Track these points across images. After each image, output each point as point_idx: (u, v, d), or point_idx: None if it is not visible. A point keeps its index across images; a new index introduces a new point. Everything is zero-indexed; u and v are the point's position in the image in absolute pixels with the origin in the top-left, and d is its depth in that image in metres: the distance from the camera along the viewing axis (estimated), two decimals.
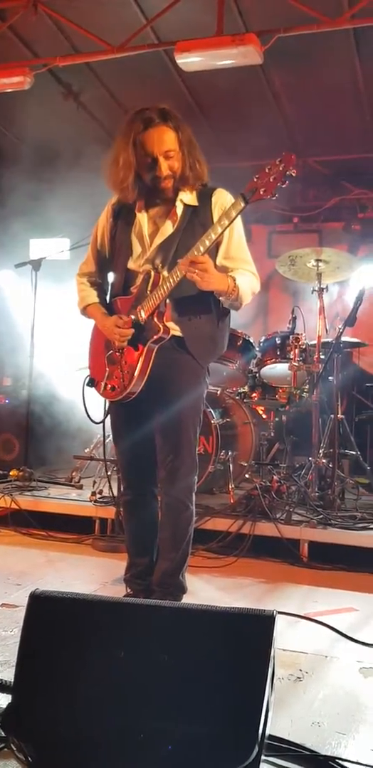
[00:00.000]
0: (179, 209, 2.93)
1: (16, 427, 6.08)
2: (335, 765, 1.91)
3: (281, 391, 5.22)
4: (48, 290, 5.81)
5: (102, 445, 4.55)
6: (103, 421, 3.24)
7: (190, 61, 5.38)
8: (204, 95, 6.58)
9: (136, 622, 1.94)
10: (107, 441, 4.10)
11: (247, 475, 5.06)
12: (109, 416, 3.19)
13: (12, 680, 1.88)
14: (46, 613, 1.94)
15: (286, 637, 2.90)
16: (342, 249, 6.24)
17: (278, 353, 5.20)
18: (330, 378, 4.93)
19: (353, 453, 5.03)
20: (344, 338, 4.80)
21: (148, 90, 5.85)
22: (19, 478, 5.31)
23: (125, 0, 5.59)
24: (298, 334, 5.01)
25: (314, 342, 4.86)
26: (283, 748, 1.95)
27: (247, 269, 2.98)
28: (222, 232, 2.76)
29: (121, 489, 3.22)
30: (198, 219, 2.91)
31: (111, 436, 3.33)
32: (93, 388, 3.09)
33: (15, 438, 6.11)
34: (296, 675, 2.54)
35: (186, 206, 2.94)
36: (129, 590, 3.17)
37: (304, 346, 4.97)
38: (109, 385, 2.99)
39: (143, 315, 2.88)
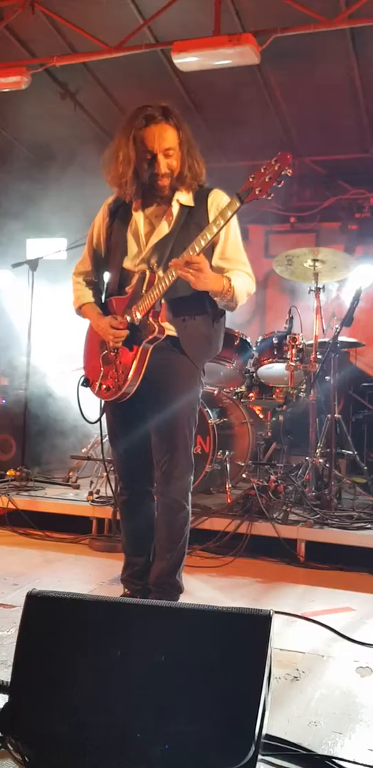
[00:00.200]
0: (175, 209, 2.93)
1: (13, 427, 6.07)
2: (331, 764, 1.91)
3: (278, 390, 5.24)
4: (45, 290, 5.81)
5: (99, 444, 4.55)
6: (98, 421, 3.23)
7: (187, 61, 5.39)
8: (201, 95, 6.58)
9: (133, 622, 1.94)
10: (104, 441, 4.09)
11: (244, 475, 5.06)
12: (105, 416, 3.19)
13: (9, 680, 1.88)
14: (44, 613, 1.94)
15: (283, 636, 2.90)
16: (339, 249, 6.25)
17: (275, 353, 5.20)
18: (327, 378, 4.94)
19: (350, 453, 5.04)
20: (341, 338, 4.81)
21: (145, 90, 5.84)
22: (16, 478, 5.32)
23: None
24: (295, 334, 5.02)
25: (311, 342, 4.87)
26: (279, 747, 1.95)
27: (242, 270, 2.97)
28: (217, 232, 2.76)
29: (118, 489, 3.21)
30: (194, 219, 2.91)
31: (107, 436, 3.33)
32: (88, 389, 3.09)
33: (12, 438, 6.10)
34: (293, 674, 2.54)
35: (182, 206, 2.94)
36: (126, 590, 3.17)
37: (301, 346, 4.98)
38: (104, 386, 2.99)
39: (138, 315, 2.87)
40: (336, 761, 1.91)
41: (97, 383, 3.01)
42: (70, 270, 3.25)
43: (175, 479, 2.95)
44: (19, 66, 5.83)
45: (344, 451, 5.04)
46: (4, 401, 6.52)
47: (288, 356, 4.96)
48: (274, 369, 5.27)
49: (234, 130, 6.28)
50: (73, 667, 1.85)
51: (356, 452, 5.06)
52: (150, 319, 2.86)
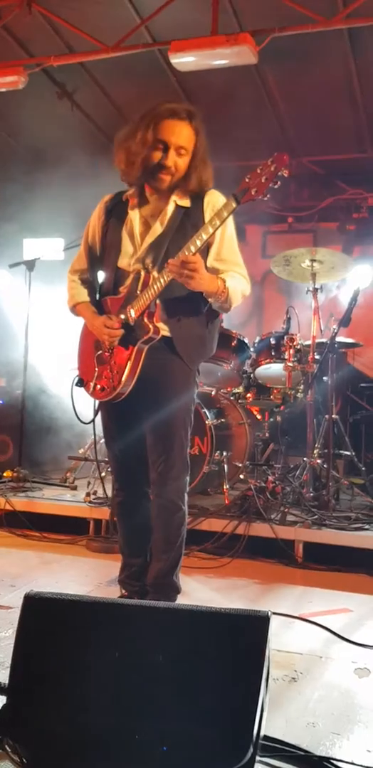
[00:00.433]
0: (171, 209, 2.93)
1: (10, 427, 6.05)
2: (329, 765, 1.91)
3: (275, 391, 5.24)
4: (42, 290, 5.80)
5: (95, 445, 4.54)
6: (92, 421, 3.22)
7: (184, 60, 5.38)
8: (198, 95, 6.56)
9: (131, 623, 1.93)
10: (101, 442, 4.09)
11: (241, 476, 5.06)
12: (100, 416, 3.18)
13: (6, 682, 1.87)
14: (41, 615, 1.94)
15: (281, 637, 2.89)
16: (337, 249, 6.26)
17: (273, 353, 5.20)
18: (325, 378, 4.94)
19: (348, 453, 5.04)
20: (338, 339, 4.81)
21: (143, 89, 5.85)
22: (14, 479, 5.30)
23: None
24: (292, 335, 5.02)
25: (309, 342, 4.87)
26: (278, 748, 1.94)
27: (237, 271, 2.96)
28: (213, 233, 2.75)
29: (114, 490, 3.20)
30: (190, 220, 2.90)
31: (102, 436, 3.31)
32: (82, 389, 3.07)
33: (9, 439, 6.09)
34: (291, 675, 2.54)
35: (178, 207, 2.93)
36: (123, 591, 3.16)
37: (298, 347, 4.98)
38: (99, 386, 2.97)
39: (133, 315, 2.86)
40: (334, 762, 1.91)
41: (92, 383, 3.00)
42: (66, 270, 3.24)
43: (171, 480, 2.94)
44: (16, 66, 5.82)
45: (341, 451, 5.04)
46: (1, 402, 6.51)
47: (286, 357, 4.96)
48: (271, 369, 5.27)
49: (231, 130, 6.26)
50: (71, 669, 1.85)
51: (353, 453, 5.07)
52: (145, 319, 2.85)
